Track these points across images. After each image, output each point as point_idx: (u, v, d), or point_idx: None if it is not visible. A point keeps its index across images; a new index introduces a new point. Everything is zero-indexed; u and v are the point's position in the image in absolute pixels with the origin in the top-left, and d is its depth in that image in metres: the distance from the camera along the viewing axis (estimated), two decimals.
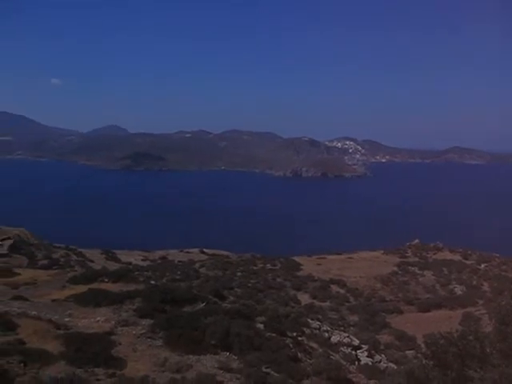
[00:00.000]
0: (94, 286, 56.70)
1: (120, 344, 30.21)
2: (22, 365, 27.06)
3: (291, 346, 32.95)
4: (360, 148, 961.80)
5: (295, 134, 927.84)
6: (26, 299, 51.13)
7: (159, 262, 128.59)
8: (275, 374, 26.45)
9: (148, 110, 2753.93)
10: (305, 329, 40.85)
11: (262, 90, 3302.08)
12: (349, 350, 39.54)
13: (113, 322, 36.46)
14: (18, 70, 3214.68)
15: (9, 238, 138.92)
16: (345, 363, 35.37)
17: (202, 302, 43.09)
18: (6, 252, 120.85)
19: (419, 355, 46.68)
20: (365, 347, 41.12)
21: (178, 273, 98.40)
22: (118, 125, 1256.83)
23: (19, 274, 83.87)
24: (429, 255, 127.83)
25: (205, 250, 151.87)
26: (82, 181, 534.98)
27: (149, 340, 31.31)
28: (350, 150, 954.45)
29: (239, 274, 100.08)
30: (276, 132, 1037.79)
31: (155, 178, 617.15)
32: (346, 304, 79.54)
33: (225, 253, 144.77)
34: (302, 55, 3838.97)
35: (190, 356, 27.87)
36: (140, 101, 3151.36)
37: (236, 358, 28.25)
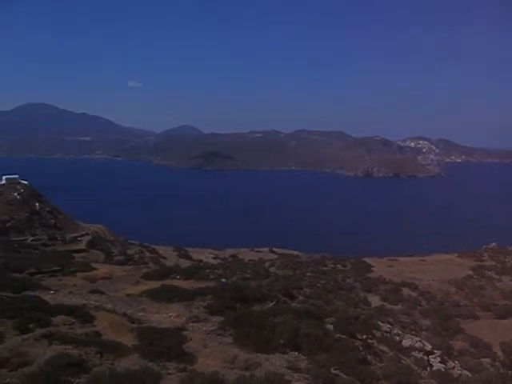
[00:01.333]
0: (167, 282, 58.11)
1: (191, 340, 30.79)
2: (98, 356, 28.13)
3: (361, 348, 32.42)
4: (434, 147, 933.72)
5: (366, 134, 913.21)
6: (103, 293, 53.09)
7: (230, 260, 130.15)
8: (344, 376, 26.12)
9: (221, 111, 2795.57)
10: (375, 331, 40.08)
11: (332, 90, 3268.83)
12: (420, 354, 38.44)
13: (184, 318, 37.22)
14: (96, 73, 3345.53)
15: (87, 234, 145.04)
16: (416, 368, 34.44)
17: (272, 301, 43.22)
18: (84, 247, 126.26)
19: (496, 363, 44.97)
20: (437, 353, 39.87)
21: (248, 271, 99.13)
22: (192, 125, 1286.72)
23: (96, 269, 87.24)
24: (507, 259, 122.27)
25: (274, 249, 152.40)
26: (156, 179, 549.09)
27: (219, 337, 31.72)
28: (424, 150, 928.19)
29: (309, 273, 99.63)
30: (346, 131, 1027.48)
31: (228, 178, 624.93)
32: (418, 307, 77.46)
33: (294, 252, 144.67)
34: (379, 53, 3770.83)
35: (259, 354, 27.99)
36: (213, 101, 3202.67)
37: (305, 358, 28.11)
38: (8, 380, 24.96)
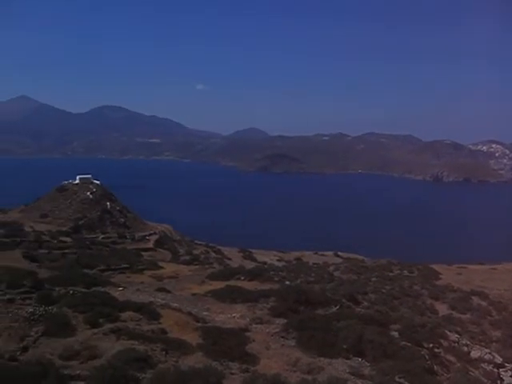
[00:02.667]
0: (231, 283, 58.70)
1: (254, 341, 30.95)
2: (163, 352, 28.79)
3: (427, 357, 31.55)
4: (508, 152, 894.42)
5: (436, 137, 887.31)
6: (169, 291, 54.25)
7: (294, 262, 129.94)
8: None
9: (287, 113, 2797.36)
10: (442, 341, 38.93)
11: (401, 92, 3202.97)
12: (490, 367, 37.00)
13: (248, 319, 37.48)
14: (165, 77, 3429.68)
15: (155, 234, 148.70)
16: (485, 381, 33.20)
17: (336, 306, 42.82)
18: (152, 246, 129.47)
19: None
20: (509, 366, 38.24)
21: (312, 275, 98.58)
22: (258, 127, 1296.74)
23: (163, 268, 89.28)
24: None
25: (339, 253, 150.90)
26: (223, 181, 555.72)
27: (282, 339, 31.73)
28: (497, 154, 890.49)
29: (374, 279, 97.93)
30: (415, 135, 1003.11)
31: (295, 180, 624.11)
32: (488, 318, 74.44)
33: (359, 257, 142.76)
34: (452, 52, 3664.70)
35: (322, 358, 27.79)
36: (279, 104, 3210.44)
37: (368, 364, 27.67)
38: (78, 371, 25.97)
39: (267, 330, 33.62)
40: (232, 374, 25.06)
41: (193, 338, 31.10)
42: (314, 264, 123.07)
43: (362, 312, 42.09)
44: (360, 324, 32.21)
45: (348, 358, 28.40)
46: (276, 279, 72.73)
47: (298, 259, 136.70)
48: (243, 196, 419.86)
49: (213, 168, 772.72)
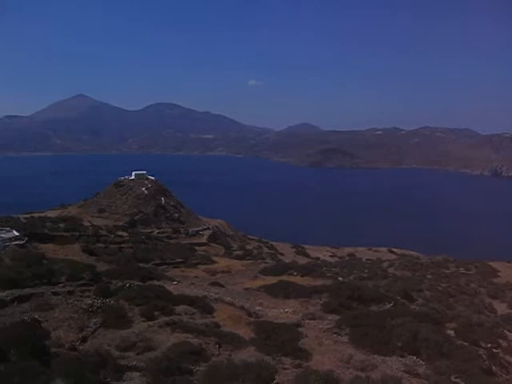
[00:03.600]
0: (284, 278, 58.83)
1: (306, 336, 30.94)
2: (217, 346, 29.20)
3: (484, 357, 30.66)
4: None
5: (495, 131, 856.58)
6: (222, 286, 54.91)
7: (347, 258, 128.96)
8: None
9: (340, 108, 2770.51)
10: (501, 341, 37.75)
11: (457, 85, 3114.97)
12: None
13: (300, 315, 37.49)
14: (218, 73, 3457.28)
15: (208, 229, 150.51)
16: None
17: (390, 303, 42.25)
18: (205, 241, 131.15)
19: None
20: None
21: (366, 271, 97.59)
22: (311, 123, 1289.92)
23: (217, 263, 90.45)
24: None
25: (393, 249, 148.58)
26: (276, 176, 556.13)
27: (334, 335, 31.59)
28: None
29: (429, 276, 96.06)
30: (473, 128, 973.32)
31: (349, 175, 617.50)
32: None
33: (414, 253, 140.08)
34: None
35: (375, 356, 27.50)
36: (331, 99, 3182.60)
37: (423, 363, 27.17)
38: (135, 362, 26.67)
39: (320, 326, 33.52)
40: (284, 369, 25.14)
41: (245, 333, 31.37)
42: (368, 260, 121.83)
43: (417, 310, 41.35)
44: (415, 322, 31.66)
45: (402, 356, 27.99)
46: (329, 275, 72.43)
47: (351, 255, 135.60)
48: (295, 191, 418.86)
49: (265, 163, 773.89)
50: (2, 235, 71.49)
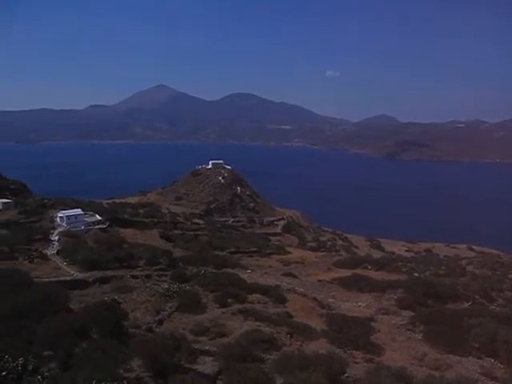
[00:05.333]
0: (358, 271, 58.30)
1: (379, 331, 30.59)
2: (288, 336, 29.44)
3: None
4: None
5: None
6: (295, 276, 55.11)
7: (423, 254, 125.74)
8: None
9: (419, 99, 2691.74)
10: None
11: None
12: None
13: (373, 309, 37.07)
14: (295, 64, 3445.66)
15: (283, 219, 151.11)
16: None
17: (467, 302, 40.96)
18: (279, 231, 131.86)
19: None
20: None
21: (443, 267, 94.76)
22: (389, 114, 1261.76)
23: (290, 253, 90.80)
24: None
25: (473, 246, 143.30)
26: (351, 168, 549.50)
27: (408, 332, 31.03)
28: None
29: (511, 275, 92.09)
30: None
31: (426, 169, 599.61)
32: None
33: (495, 251, 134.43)
34: None
35: (450, 355, 26.79)
36: (410, 90, 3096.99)
37: (502, 366, 26.17)
38: (208, 347, 27.37)
39: (393, 322, 33.04)
40: (356, 362, 25.01)
41: (317, 324, 31.40)
42: (445, 257, 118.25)
43: (497, 310, 39.76)
44: (494, 322, 30.50)
45: (479, 358, 27.07)
46: (404, 270, 71.00)
47: (428, 251, 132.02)
48: (371, 184, 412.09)
49: (341, 155, 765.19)
50: (86, 219, 75.00)
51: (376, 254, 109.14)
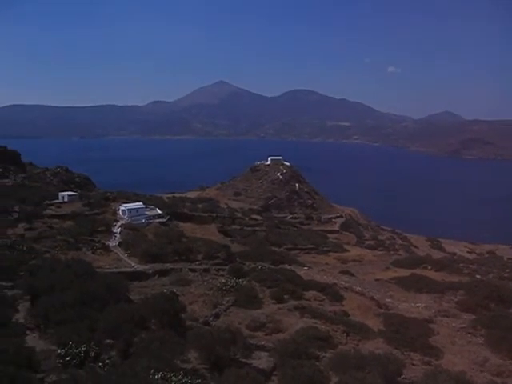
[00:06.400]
0: (417, 271, 57.14)
1: (438, 334, 29.92)
2: (344, 334, 29.25)
3: None
4: None
5: None
6: (352, 275, 54.64)
7: (486, 256, 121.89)
8: None
9: (486, 96, 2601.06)
10: None
11: None
12: None
13: (433, 311, 36.26)
14: (356, 60, 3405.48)
15: (341, 217, 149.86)
16: None
17: None
18: (337, 229, 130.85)
19: None
20: None
21: (507, 270, 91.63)
22: (452, 111, 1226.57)
23: (348, 251, 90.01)
24: None
25: None
26: (411, 166, 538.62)
27: (468, 335, 30.22)
28: None
29: None
30: None
31: (491, 168, 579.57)
32: None
33: None
34: None
35: None
36: (475, 87, 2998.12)
37: None
38: (263, 342, 27.56)
39: (453, 325, 32.24)
40: (413, 364, 24.58)
41: (374, 324, 31.06)
42: (510, 259, 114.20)
43: None
44: None
45: None
46: (465, 272, 69.03)
47: (491, 253, 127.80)
48: (433, 182, 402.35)
49: (402, 153, 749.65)
50: (147, 212, 76.79)
51: (436, 255, 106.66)
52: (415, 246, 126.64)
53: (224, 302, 34.65)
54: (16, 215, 61.75)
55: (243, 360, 23.37)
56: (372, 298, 37.80)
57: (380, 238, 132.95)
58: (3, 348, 17.54)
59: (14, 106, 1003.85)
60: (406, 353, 26.20)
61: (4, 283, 30.21)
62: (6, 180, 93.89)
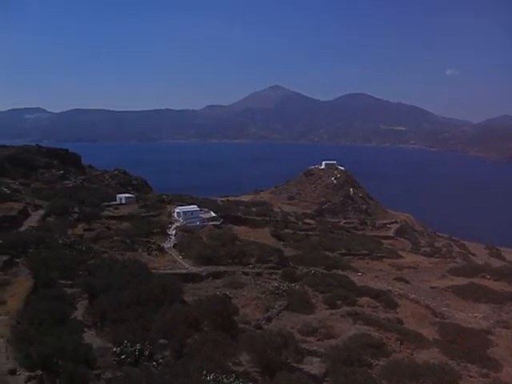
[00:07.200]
0: (475, 280, 55.51)
1: (497, 345, 28.98)
2: (398, 342, 28.72)
3: None
4: None
5: None
6: (407, 282, 53.63)
7: None
8: None
9: None
10: None
11: None
12: None
13: (491, 321, 35.13)
14: (411, 63, 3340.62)
15: (396, 222, 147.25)
16: None
17: None
18: (392, 235, 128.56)
19: None
20: None
21: None
22: None
23: (403, 258, 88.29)
24: None
25: None
26: (468, 172, 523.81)
27: None
28: None
29: None
30: None
31: None
32: None
33: None
34: None
35: None
36: None
37: None
38: (315, 348, 27.41)
39: None
40: (470, 376, 23.91)
41: (429, 333, 30.40)
42: None
43: None
44: None
45: None
46: None
47: None
48: (492, 189, 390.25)
49: (460, 158, 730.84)
50: (201, 215, 77.81)
51: (496, 263, 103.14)
52: (473, 254, 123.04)
53: (276, 306, 34.71)
54: (76, 216, 64.00)
55: (295, 365, 23.34)
56: (427, 307, 37.00)
57: (436, 244, 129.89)
58: (63, 345, 18.15)
59: (76, 110, 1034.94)
60: (462, 364, 25.52)
61: (64, 281, 31.24)
62: (67, 182, 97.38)
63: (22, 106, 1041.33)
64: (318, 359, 24.94)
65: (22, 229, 47.13)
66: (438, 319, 33.72)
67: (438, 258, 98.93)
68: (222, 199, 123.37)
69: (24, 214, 55.14)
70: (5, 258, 32.62)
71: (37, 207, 63.33)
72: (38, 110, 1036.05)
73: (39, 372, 16.35)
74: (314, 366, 24.00)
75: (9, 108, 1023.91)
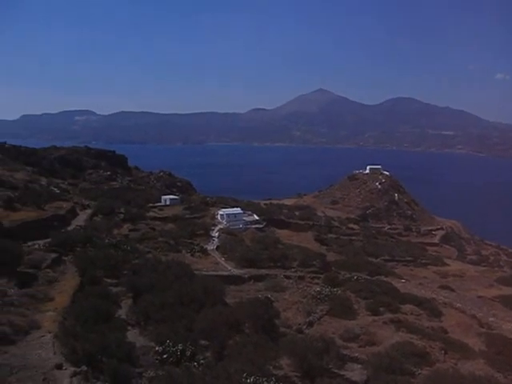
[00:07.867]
0: None
1: None
2: (442, 352, 28.13)
3: None
4: None
5: None
6: (452, 290, 52.48)
7: None
8: None
9: None
10: None
11: None
12: None
13: None
14: (461, 67, 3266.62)
15: (441, 229, 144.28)
16: None
17: None
18: (437, 242, 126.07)
19: None
20: None
21: None
22: None
23: (448, 265, 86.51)
24: None
25: None
26: None
27: None
28: None
29: None
30: None
31: None
32: None
33: None
34: None
35: None
36: None
37: None
38: (357, 354, 27.13)
39: None
40: None
41: (475, 343, 29.69)
42: None
43: None
44: None
45: None
46: None
47: None
48: None
49: (508, 163, 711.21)
50: (245, 218, 78.21)
51: None
52: None
53: (318, 311, 34.56)
54: (121, 216, 65.37)
55: (336, 371, 23.18)
56: (473, 316, 36.15)
57: (483, 253, 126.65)
58: (107, 342, 18.56)
59: (123, 112, 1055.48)
60: (509, 376, 24.82)
61: (109, 280, 31.89)
62: (114, 183, 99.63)
63: (73, 109, 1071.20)
64: (360, 366, 24.69)
65: (70, 228, 48.27)
66: (484, 329, 32.90)
67: (485, 266, 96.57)
68: (266, 202, 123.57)
69: (72, 214, 56.57)
70: (53, 255, 33.48)
71: (84, 207, 65.00)
72: (87, 112, 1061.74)
73: (84, 368, 16.74)
74: (355, 372, 23.77)
75: (60, 110, 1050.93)
